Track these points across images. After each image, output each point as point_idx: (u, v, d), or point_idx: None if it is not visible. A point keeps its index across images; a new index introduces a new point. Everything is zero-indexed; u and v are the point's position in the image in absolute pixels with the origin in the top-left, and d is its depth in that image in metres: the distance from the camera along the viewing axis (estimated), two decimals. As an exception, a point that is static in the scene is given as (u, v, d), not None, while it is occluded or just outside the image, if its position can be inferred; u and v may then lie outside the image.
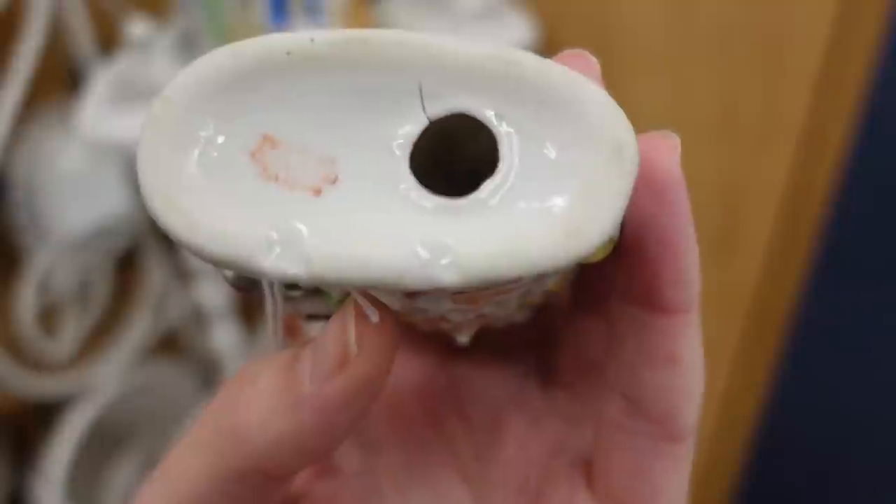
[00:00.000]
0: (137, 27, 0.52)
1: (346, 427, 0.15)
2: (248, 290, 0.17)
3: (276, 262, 0.13)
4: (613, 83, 0.15)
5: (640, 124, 0.14)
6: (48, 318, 0.61)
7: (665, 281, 0.15)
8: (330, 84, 0.14)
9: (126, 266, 0.64)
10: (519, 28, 0.59)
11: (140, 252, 0.64)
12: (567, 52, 0.15)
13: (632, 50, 0.55)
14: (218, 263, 0.13)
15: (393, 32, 0.14)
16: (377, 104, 0.14)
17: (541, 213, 0.14)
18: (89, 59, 0.56)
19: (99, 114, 0.51)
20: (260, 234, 0.13)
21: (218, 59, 0.14)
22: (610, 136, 0.13)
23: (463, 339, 0.18)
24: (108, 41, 0.57)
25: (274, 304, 0.17)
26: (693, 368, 0.16)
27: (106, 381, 0.63)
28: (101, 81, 0.52)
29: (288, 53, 0.14)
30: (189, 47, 0.55)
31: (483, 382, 0.19)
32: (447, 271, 0.13)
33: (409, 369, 0.20)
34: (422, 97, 0.14)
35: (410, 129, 0.14)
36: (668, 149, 0.15)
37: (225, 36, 0.55)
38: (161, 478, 0.16)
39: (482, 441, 0.19)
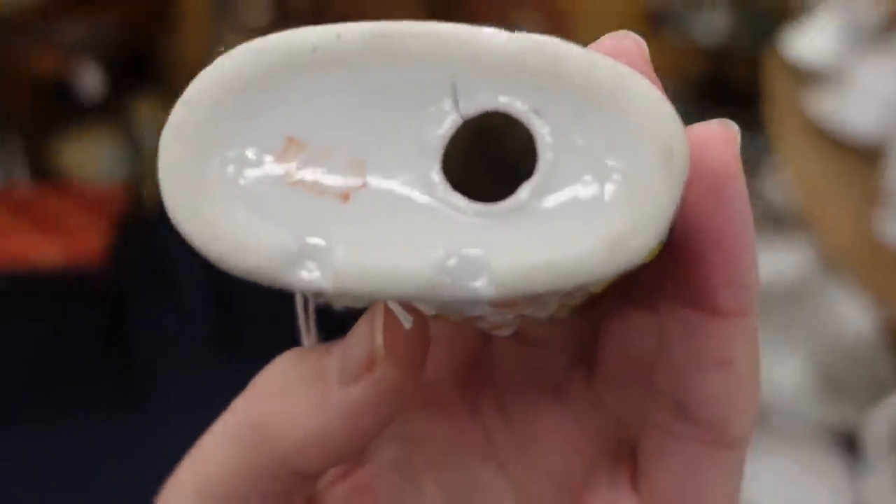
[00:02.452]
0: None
1: (372, 429, 0.15)
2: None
3: (301, 275, 0.13)
4: None
5: None
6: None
7: (719, 283, 0.14)
8: (358, 82, 0.13)
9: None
10: None
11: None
12: (611, 35, 0.14)
13: None
14: (241, 274, 0.13)
15: (424, 25, 0.13)
16: (407, 102, 0.13)
17: (582, 222, 0.13)
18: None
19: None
20: (283, 245, 0.13)
21: (241, 59, 0.13)
22: (660, 141, 0.12)
23: (503, 334, 0.17)
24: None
25: (304, 298, 0.17)
26: (747, 375, 0.15)
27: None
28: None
29: (313, 50, 0.13)
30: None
31: (523, 374, 0.19)
32: (482, 285, 0.13)
33: (446, 355, 0.19)
34: (455, 95, 0.13)
35: (443, 128, 0.13)
36: (725, 140, 0.13)
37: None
38: (194, 463, 0.16)
39: (521, 433, 0.18)
